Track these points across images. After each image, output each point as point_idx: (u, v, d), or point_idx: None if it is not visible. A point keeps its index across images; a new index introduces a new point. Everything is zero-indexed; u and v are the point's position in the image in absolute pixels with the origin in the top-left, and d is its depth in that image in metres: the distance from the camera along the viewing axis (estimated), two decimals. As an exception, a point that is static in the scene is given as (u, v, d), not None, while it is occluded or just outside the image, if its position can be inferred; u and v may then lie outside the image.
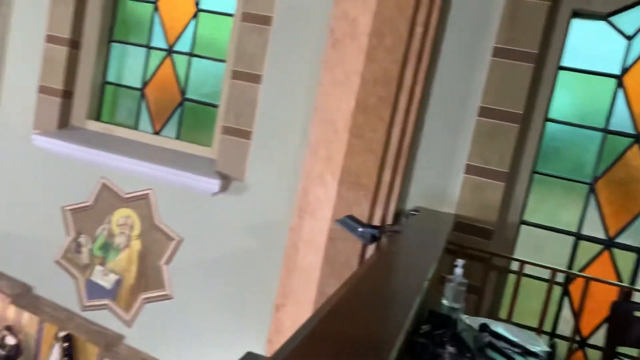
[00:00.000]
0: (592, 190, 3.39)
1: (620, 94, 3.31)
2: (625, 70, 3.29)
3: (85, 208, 4.32)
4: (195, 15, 4.23)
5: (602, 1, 3.26)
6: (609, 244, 3.37)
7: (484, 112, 3.32)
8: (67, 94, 4.35)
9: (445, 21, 3.39)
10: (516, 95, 3.26)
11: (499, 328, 2.13)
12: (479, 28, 3.33)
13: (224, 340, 4.08)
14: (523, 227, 3.47)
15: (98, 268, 4.32)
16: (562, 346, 3.16)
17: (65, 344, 6.24)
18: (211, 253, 4.05)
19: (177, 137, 4.35)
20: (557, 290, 3.38)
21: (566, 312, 3.46)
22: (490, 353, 1.92)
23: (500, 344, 1.99)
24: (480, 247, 3.22)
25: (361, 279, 1.71)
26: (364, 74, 3.26)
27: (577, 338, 3.39)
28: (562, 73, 3.37)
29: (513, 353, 1.96)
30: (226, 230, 4.01)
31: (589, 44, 3.40)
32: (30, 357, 6.67)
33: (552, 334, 3.43)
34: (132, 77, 4.44)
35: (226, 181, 3.94)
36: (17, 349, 6.57)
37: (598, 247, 3.40)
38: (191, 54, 4.24)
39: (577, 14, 3.33)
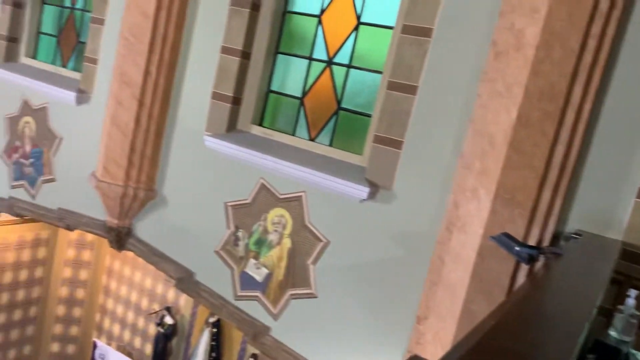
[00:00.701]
0: None
1: None
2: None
3: (245, 205, 4.69)
4: (355, 28, 4.40)
5: None
6: None
7: (665, 132, 3.01)
8: (236, 101, 4.76)
9: (624, 33, 3.15)
10: None
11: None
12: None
13: (363, 344, 4.17)
14: None
15: (252, 261, 4.66)
16: None
17: (214, 330, 6.81)
18: (356, 258, 4.16)
19: (330, 144, 4.55)
20: None
21: None
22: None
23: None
24: (652, 280, 2.92)
25: (524, 298, 1.66)
26: (528, 87, 3.14)
27: None
28: None
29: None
30: (371, 237, 4.10)
31: None
32: (183, 338, 7.38)
33: None
34: (294, 86, 4.74)
35: (375, 189, 4.03)
36: (173, 328, 7.31)
37: None
38: (349, 66, 4.41)
39: None
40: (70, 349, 8.27)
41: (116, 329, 8.01)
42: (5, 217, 6.70)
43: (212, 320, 6.78)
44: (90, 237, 7.91)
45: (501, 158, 3.26)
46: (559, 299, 1.86)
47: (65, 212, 5.71)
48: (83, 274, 8.07)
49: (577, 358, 1.69)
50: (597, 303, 1.83)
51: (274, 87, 4.85)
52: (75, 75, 5.82)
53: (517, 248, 2.76)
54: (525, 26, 3.16)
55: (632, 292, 2.00)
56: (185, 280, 5.04)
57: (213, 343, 6.78)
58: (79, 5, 6.03)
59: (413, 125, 3.88)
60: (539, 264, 2.75)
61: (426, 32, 3.79)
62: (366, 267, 4.12)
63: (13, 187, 6.14)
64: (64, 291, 8.05)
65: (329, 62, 4.53)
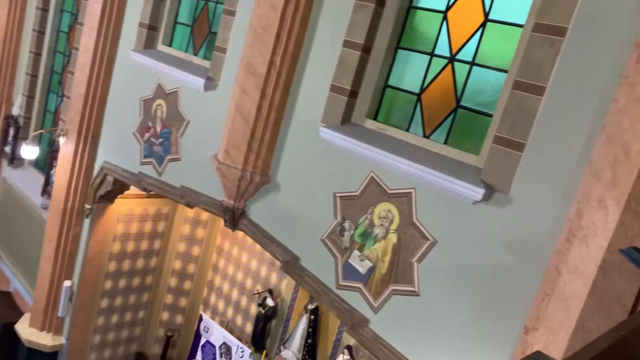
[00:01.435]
0: None
1: None
2: None
3: (353, 197, 4.76)
4: (482, 25, 4.29)
5: None
6: None
7: None
8: (353, 94, 4.84)
9: None
10: None
11: None
12: None
13: (462, 348, 4.07)
14: None
15: (356, 253, 4.72)
16: None
17: (312, 317, 6.98)
18: (463, 260, 4.07)
19: (445, 143, 4.47)
20: None
21: None
22: None
23: None
24: None
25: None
26: (675, 93, 2.88)
27: None
28: None
29: None
30: (482, 241, 3.99)
31: None
32: (281, 321, 7.65)
33: None
34: (412, 82, 4.72)
35: (490, 191, 3.91)
36: (274, 310, 7.60)
37: None
38: (473, 63, 4.31)
39: None
40: (179, 318, 8.90)
41: (221, 304, 8.49)
42: (134, 190, 7.35)
43: (311, 307, 6.96)
44: (204, 216, 8.45)
45: (635, 169, 3.03)
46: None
47: (187, 190, 6.14)
48: (195, 250, 8.64)
49: None
50: None
51: (391, 82, 4.86)
52: (205, 63, 6.23)
53: (649, 264, 2.55)
54: (677, 26, 2.91)
55: None
56: (291, 264, 5.23)
57: (310, 330, 6.96)
58: (213, -3, 6.45)
59: (538, 127, 3.71)
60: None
61: (560, 31, 3.61)
62: (474, 271, 4.01)
63: (142, 163, 6.71)
64: (177, 264, 8.68)
65: (451, 59, 4.45)
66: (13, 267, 9.82)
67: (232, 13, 5.72)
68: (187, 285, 8.77)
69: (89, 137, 7.33)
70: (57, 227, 7.58)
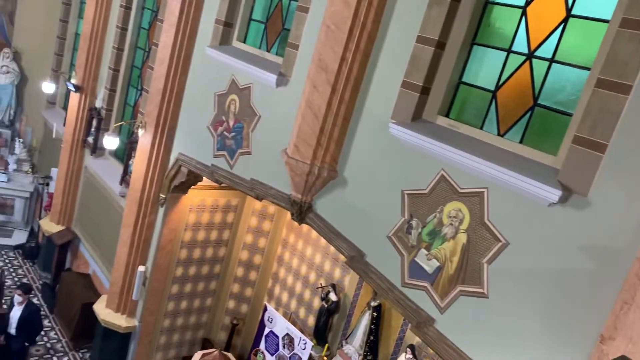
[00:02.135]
0: None
1: None
2: None
3: (421, 195, 4.71)
4: (564, 21, 4.12)
5: None
6: None
7: None
8: (425, 90, 4.79)
9: None
10: None
11: None
12: None
13: (532, 355, 3.95)
14: None
15: (422, 251, 4.68)
16: None
17: (375, 314, 6.97)
18: (536, 263, 3.94)
19: (521, 142, 4.34)
20: None
21: None
22: None
23: None
24: None
25: None
26: None
27: None
28: None
29: None
30: (557, 244, 3.84)
31: None
32: (344, 316, 7.69)
33: None
34: (487, 79, 4.61)
35: (567, 193, 3.76)
36: (336, 305, 7.65)
37: None
38: (553, 60, 4.15)
39: None
40: (244, 308, 9.15)
41: (284, 296, 8.65)
42: (206, 182, 7.62)
43: (374, 304, 6.96)
44: (271, 209, 8.63)
45: None
46: None
47: (256, 182, 6.30)
48: (262, 242, 8.85)
49: None
50: None
51: (465, 79, 4.76)
52: (278, 59, 6.36)
53: None
54: None
55: None
56: (356, 259, 5.25)
57: (372, 327, 6.96)
58: (287, -6, 6.56)
59: (622, 128, 3.53)
60: None
61: (650, 26, 3.41)
62: (547, 275, 3.88)
63: (215, 156, 6.94)
64: (244, 255, 8.93)
65: (530, 56, 4.31)
66: (92, 250, 10.45)
67: (305, 10, 5.79)
68: (252, 275, 9.00)
69: (166, 129, 7.67)
70: (134, 214, 7.99)
